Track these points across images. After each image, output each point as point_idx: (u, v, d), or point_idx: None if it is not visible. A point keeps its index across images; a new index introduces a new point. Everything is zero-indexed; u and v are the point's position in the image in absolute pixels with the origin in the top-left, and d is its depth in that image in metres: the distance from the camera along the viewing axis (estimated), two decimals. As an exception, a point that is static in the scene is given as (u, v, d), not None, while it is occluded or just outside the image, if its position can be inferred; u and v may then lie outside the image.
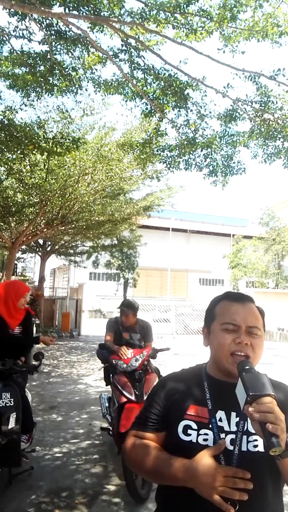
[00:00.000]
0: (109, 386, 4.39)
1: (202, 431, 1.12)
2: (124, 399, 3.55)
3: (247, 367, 1.05)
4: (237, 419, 1.13)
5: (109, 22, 5.94)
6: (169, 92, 6.59)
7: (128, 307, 4.24)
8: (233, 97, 6.71)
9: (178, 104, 6.79)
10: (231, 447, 1.09)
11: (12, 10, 5.68)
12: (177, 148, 7.34)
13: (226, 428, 1.12)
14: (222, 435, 1.11)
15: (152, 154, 8.42)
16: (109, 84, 6.84)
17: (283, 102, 6.56)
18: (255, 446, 1.09)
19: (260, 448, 1.08)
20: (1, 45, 6.66)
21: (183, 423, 1.14)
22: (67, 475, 3.66)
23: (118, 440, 3.50)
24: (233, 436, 1.11)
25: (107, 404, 4.38)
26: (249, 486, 0.99)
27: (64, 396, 6.70)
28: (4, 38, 6.57)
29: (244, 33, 6.07)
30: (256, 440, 1.10)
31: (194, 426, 1.13)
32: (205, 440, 1.11)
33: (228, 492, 0.98)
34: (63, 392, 6.95)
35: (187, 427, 1.14)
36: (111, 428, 4.06)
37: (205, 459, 1.02)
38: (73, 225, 13.73)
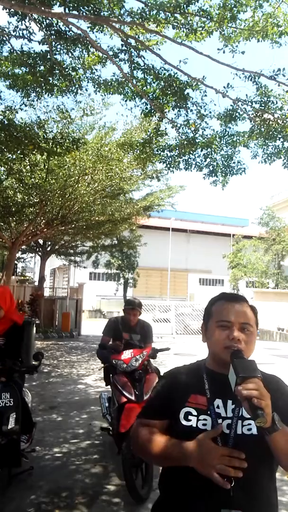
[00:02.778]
0: (109, 386, 4.39)
1: (201, 417, 1.25)
2: (124, 399, 3.55)
3: (238, 355, 1.19)
4: (233, 406, 1.25)
5: (109, 22, 5.94)
6: (169, 92, 6.59)
7: (135, 305, 4.26)
8: (233, 97, 6.72)
9: (178, 104, 6.79)
10: (227, 431, 1.22)
11: (12, 10, 5.68)
12: (177, 148, 7.34)
13: (223, 414, 1.25)
14: (220, 421, 1.23)
15: (152, 154, 8.41)
16: (109, 84, 6.84)
17: (283, 102, 6.56)
18: (249, 429, 1.22)
19: (254, 431, 1.20)
20: (1, 45, 6.66)
21: (185, 410, 1.27)
22: (67, 475, 3.66)
23: (118, 440, 3.50)
24: (229, 421, 1.24)
25: (107, 404, 4.38)
26: (243, 465, 1.11)
27: (64, 396, 6.70)
28: (4, 38, 6.57)
29: (244, 33, 6.07)
30: (250, 424, 1.22)
31: (194, 412, 1.26)
32: (204, 425, 1.24)
33: (224, 469, 1.10)
34: (63, 392, 6.95)
35: (188, 414, 1.27)
36: (111, 428, 4.06)
37: (204, 441, 1.15)
38: (73, 225, 13.73)
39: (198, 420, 1.25)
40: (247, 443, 1.19)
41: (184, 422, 1.25)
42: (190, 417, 1.26)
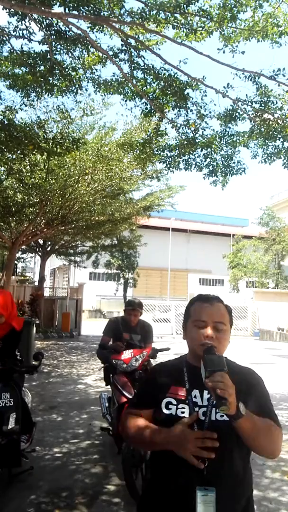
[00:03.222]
0: (109, 386, 4.39)
1: (180, 406, 1.41)
2: (124, 399, 3.55)
3: (210, 351, 1.33)
4: (208, 395, 1.40)
5: (109, 22, 5.93)
6: (169, 92, 6.58)
7: (136, 305, 4.25)
8: (233, 97, 6.71)
9: (178, 104, 6.79)
10: (203, 417, 1.38)
11: (12, 10, 5.67)
12: (177, 148, 7.33)
13: (200, 403, 1.41)
14: (196, 409, 1.39)
15: (152, 154, 8.41)
16: (109, 84, 6.83)
17: (283, 102, 6.55)
18: (222, 416, 1.35)
19: (226, 417, 1.30)
20: (1, 45, 6.65)
21: (166, 400, 1.43)
22: (67, 475, 3.66)
23: (118, 440, 3.51)
24: (204, 409, 1.39)
25: (107, 404, 4.38)
26: (215, 444, 1.27)
27: (64, 396, 6.70)
28: (4, 38, 6.56)
29: (244, 33, 6.07)
30: None
31: (174, 402, 1.42)
32: (182, 412, 1.40)
33: (198, 452, 1.27)
34: (63, 392, 6.95)
35: (168, 403, 1.43)
36: (111, 428, 4.06)
37: (181, 427, 1.32)
38: (73, 225, 13.73)
39: (177, 408, 1.40)
40: (220, 427, 1.33)
41: (165, 411, 1.41)
42: (170, 406, 1.41)
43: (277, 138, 6.85)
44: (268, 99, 6.58)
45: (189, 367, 1.48)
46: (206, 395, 1.40)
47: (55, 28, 6.16)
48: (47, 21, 6.05)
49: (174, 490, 1.34)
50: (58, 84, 6.89)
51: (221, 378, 1.21)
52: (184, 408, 1.40)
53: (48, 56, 6.47)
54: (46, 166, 10.28)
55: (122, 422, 1.53)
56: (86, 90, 7.37)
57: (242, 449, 1.36)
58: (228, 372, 1.24)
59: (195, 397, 1.42)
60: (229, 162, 7.36)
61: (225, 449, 1.31)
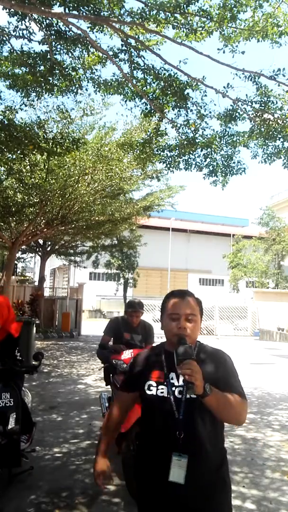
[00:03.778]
0: (109, 386, 4.39)
1: (160, 387, 1.68)
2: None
3: (182, 341, 1.57)
4: (183, 377, 1.57)
5: (109, 22, 5.93)
6: (169, 92, 6.58)
7: (136, 307, 4.25)
8: (233, 97, 6.71)
9: (178, 104, 6.78)
10: (179, 396, 1.64)
11: (12, 10, 5.67)
12: (177, 148, 7.33)
13: (176, 383, 1.66)
14: (173, 388, 1.65)
15: (152, 154, 8.41)
16: (109, 84, 6.83)
17: (283, 102, 6.55)
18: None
19: None
20: (1, 45, 6.65)
21: (148, 383, 1.70)
22: (67, 475, 3.66)
23: (118, 440, 3.50)
24: (181, 388, 1.64)
25: (107, 404, 4.38)
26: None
27: (64, 396, 6.70)
28: (4, 38, 6.56)
29: (244, 33, 6.07)
30: None
31: (154, 384, 1.69)
32: (162, 392, 1.66)
33: (96, 480, 1.74)
34: (63, 392, 6.95)
35: (150, 386, 1.69)
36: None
37: (103, 462, 1.75)
38: (73, 225, 13.72)
39: (157, 389, 1.67)
40: (194, 403, 1.59)
41: (148, 392, 1.69)
42: (151, 388, 1.68)
43: (277, 138, 6.85)
44: (268, 99, 6.58)
45: (166, 354, 1.73)
46: (181, 377, 1.61)
47: (55, 28, 6.16)
48: (47, 21, 6.05)
49: (154, 456, 1.62)
50: (58, 84, 6.89)
51: (189, 366, 1.46)
52: (163, 388, 1.66)
53: (48, 56, 6.47)
54: (46, 166, 10.27)
55: (110, 406, 1.82)
56: (86, 90, 7.37)
57: (212, 420, 1.61)
58: (196, 359, 1.50)
59: (172, 378, 1.67)
60: (229, 162, 7.36)
61: (198, 421, 1.59)
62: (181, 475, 1.54)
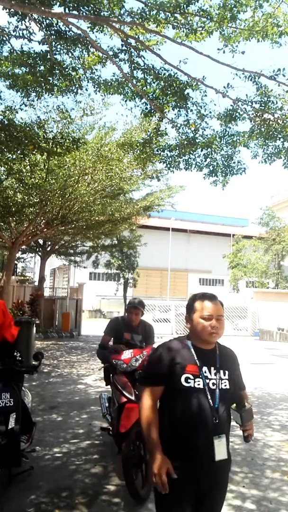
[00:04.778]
0: (109, 386, 4.38)
1: (197, 380, 1.88)
2: (124, 399, 3.55)
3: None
4: (215, 371, 1.93)
5: (109, 22, 5.93)
6: (169, 92, 6.58)
7: (138, 305, 4.25)
8: (233, 97, 6.71)
9: (178, 104, 6.78)
10: (213, 387, 1.89)
11: (12, 10, 5.67)
12: (177, 148, 7.33)
13: (209, 376, 1.91)
14: (207, 381, 1.89)
15: (152, 154, 8.41)
16: (109, 84, 6.83)
17: (283, 102, 6.55)
18: (225, 385, 1.93)
19: (227, 385, 1.93)
20: (1, 45, 6.65)
21: (185, 375, 1.88)
22: (67, 475, 3.66)
23: (118, 440, 3.50)
24: (214, 380, 1.91)
25: (107, 404, 4.38)
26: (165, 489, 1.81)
27: (64, 396, 6.70)
28: (4, 38, 6.56)
29: (244, 33, 6.06)
30: (225, 382, 1.93)
31: (191, 377, 1.88)
32: (199, 384, 1.87)
33: (158, 476, 1.78)
34: (63, 392, 6.95)
35: (187, 378, 1.88)
36: (111, 428, 4.05)
37: (160, 457, 1.81)
38: (73, 225, 13.72)
39: (194, 382, 1.87)
40: (225, 393, 1.91)
41: (185, 384, 1.86)
42: (189, 380, 1.87)
43: (277, 138, 6.85)
44: (268, 99, 6.58)
45: (196, 349, 1.95)
46: (213, 370, 1.92)
47: (55, 28, 6.16)
48: (47, 21, 6.05)
49: (195, 440, 1.82)
50: (58, 84, 6.89)
51: (251, 425, 1.92)
52: (199, 381, 1.87)
53: (48, 56, 6.47)
54: (46, 166, 10.27)
55: (140, 403, 1.98)
56: (86, 90, 7.37)
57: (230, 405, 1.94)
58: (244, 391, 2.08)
59: (205, 372, 1.90)
60: (229, 162, 7.36)
61: (227, 408, 1.91)
62: (224, 451, 1.85)
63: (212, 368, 1.92)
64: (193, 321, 1.96)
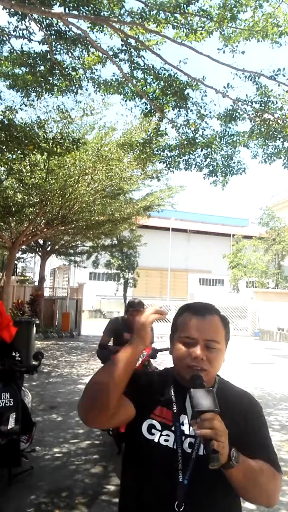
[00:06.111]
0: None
1: (165, 432, 1.16)
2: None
3: (197, 382, 1.07)
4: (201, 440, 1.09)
5: (109, 22, 5.93)
6: (169, 92, 6.58)
7: (137, 305, 4.25)
8: (233, 97, 6.71)
9: (178, 104, 6.79)
10: (189, 450, 1.13)
11: (12, 10, 5.67)
12: (177, 148, 7.33)
13: (187, 432, 1.15)
14: (183, 438, 1.14)
15: (152, 154, 8.41)
16: (109, 84, 6.83)
17: (283, 102, 6.55)
18: None
19: None
20: (1, 45, 6.65)
21: (149, 421, 1.18)
22: (67, 475, 3.66)
23: (118, 440, 3.51)
24: (192, 440, 1.14)
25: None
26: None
27: (64, 396, 6.70)
28: (4, 38, 6.56)
29: (244, 33, 6.07)
30: None
31: (158, 426, 1.17)
32: (166, 441, 1.15)
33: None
34: (63, 392, 6.95)
35: (151, 426, 1.17)
36: (111, 428, 4.06)
37: (143, 325, 1.17)
38: (73, 225, 13.72)
39: (161, 435, 1.16)
40: (207, 464, 1.02)
41: (147, 435, 1.16)
42: (153, 431, 1.16)
43: (277, 138, 6.86)
44: (268, 99, 6.58)
45: (177, 387, 1.21)
46: None
47: (55, 28, 6.16)
48: (47, 21, 6.05)
49: None
50: (58, 84, 6.89)
51: (210, 423, 0.96)
52: (168, 435, 1.15)
53: (48, 56, 6.47)
54: (46, 166, 10.27)
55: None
56: (86, 90, 7.37)
57: (226, 483, 1.07)
58: (220, 412, 0.99)
59: (182, 424, 1.16)
60: (229, 162, 7.36)
61: (208, 491, 1.08)
62: None
63: None
64: (173, 344, 1.24)
